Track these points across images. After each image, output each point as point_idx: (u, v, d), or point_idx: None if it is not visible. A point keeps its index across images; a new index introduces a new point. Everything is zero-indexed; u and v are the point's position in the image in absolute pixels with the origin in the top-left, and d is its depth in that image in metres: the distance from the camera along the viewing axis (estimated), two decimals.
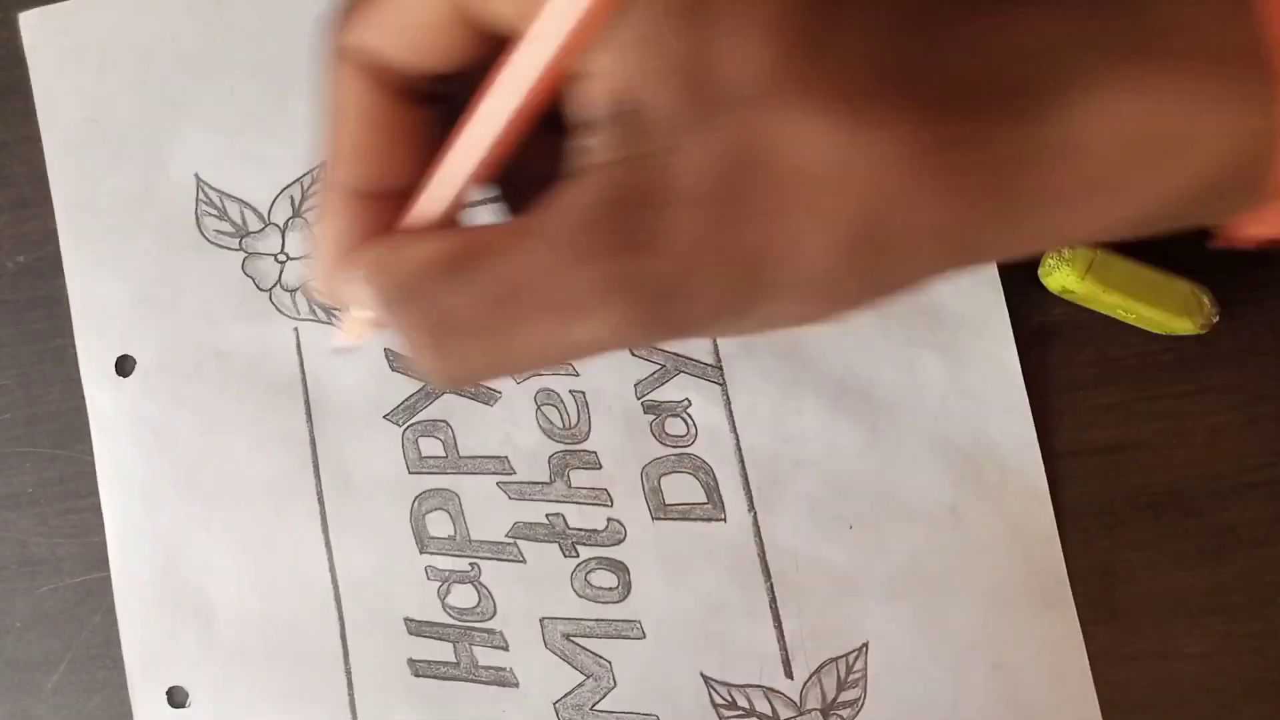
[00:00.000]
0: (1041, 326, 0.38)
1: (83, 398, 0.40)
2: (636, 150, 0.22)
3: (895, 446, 0.38)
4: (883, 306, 0.24)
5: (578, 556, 0.39)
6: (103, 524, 0.39)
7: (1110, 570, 0.37)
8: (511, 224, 0.23)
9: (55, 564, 0.40)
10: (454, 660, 0.38)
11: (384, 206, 0.26)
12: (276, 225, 0.40)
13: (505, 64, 0.23)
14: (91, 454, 0.40)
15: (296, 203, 0.40)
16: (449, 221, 0.26)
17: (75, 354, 0.40)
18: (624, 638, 0.38)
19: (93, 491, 0.40)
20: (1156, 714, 0.37)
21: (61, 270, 0.40)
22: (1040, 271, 0.37)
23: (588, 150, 0.23)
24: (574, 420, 0.39)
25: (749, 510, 0.38)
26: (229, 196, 0.40)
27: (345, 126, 0.26)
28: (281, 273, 0.40)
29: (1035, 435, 0.38)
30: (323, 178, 0.26)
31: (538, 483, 0.39)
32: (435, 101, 0.26)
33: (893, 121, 0.21)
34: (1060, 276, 0.36)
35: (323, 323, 0.40)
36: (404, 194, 0.26)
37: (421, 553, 0.39)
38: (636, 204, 0.22)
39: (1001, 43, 0.22)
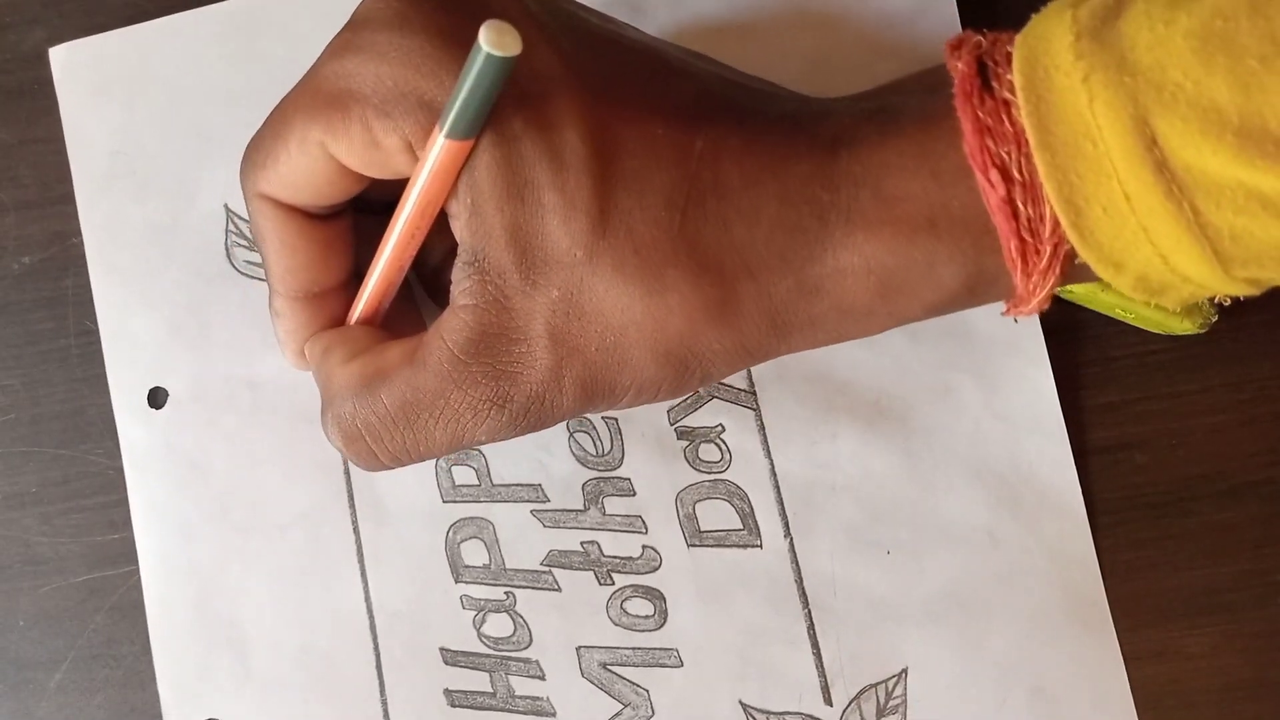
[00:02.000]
0: (1041, 327, 0.38)
1: (87, 398, 0.40)
2: (486, 297, 0.29)
3: (931, 470, 0.38)
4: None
5: (613, 584, 0.38)
6: (106, 524, 0.40)
7: (1110, 570, 0.38)
8: (406, 352, 0.31)
9: (58, 563, 0.40)
10: (490, 690, 0.38)
11: (330, 300, 0.34)
12: None
13: (395, 216, 0.30)
14: (95, 454, 0.40)
15: None
16: (378, 316, 0.34)
17: (78, 355, 0.40)
18: (661, 666, 0.38)
19: (96, 491, 0.40)
20: (1156, 714, 0.37)
21: (67, 271, 0.40)
22: None
23: (455, 285, 0.29)
24: (607, 447, 0.39)
25: (785, 536, 0.38)
26: None
27: (271, 252, 0.33)
28: None
29: (1071, 457, 0.38)
30: (267, 281, 0.34)
31: (571, 510, 0.39)
32: (351, 206, 0.33)
33: (677, 290, 0.28)
34: None
35: None
36: (348, 284, 0.34)
37: (456, 582, 0.39)
38: (495, 341, 0.29)
39: (766, 212, 0.29)
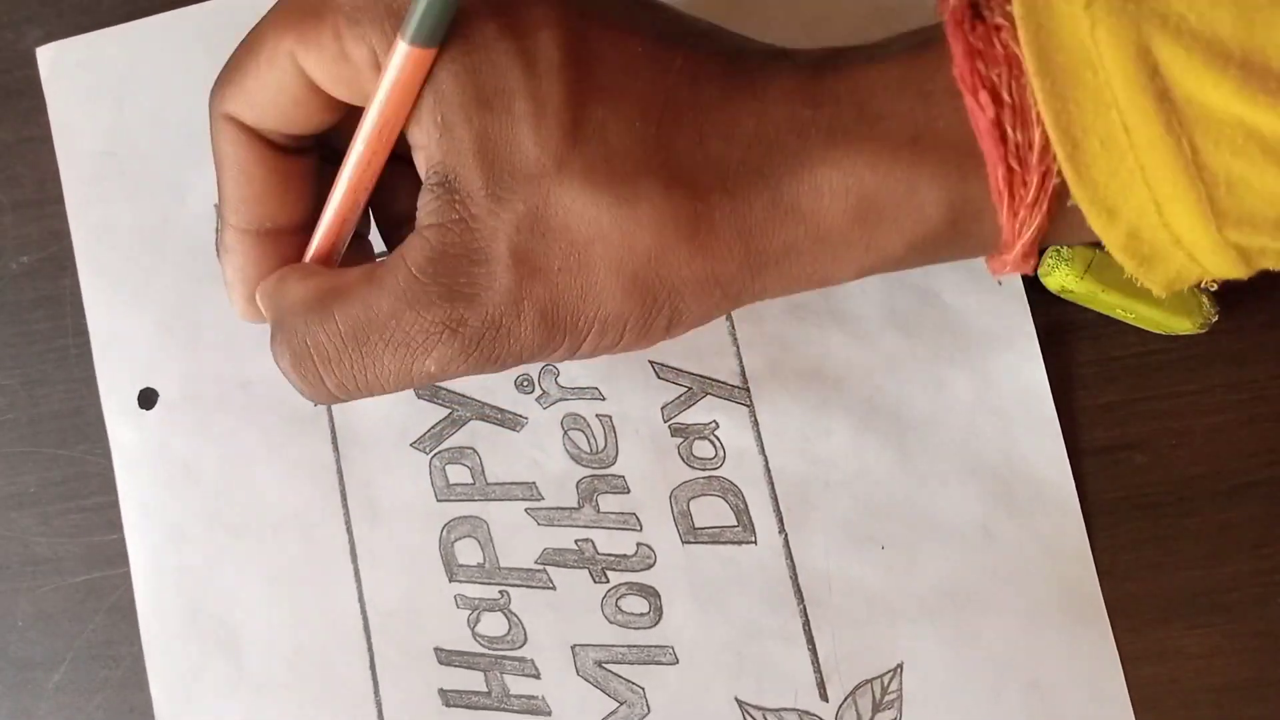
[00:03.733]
0: (1041, 327, 0.38)
1: (85, 398, 0.40)
2: (452, 216, 0.28)
3: (925, 466, 0.38)
4: (670, 339, 0.30)
5: (608, 582, 0.38)
6: (105, 524, 0.39)
7: (1110, 570, 0.37)
8: (365, 271, 0.29)
9: (57, 563, 0.40)
10: (485, 689, 0.38)
11: (283, 241, 0.32)
12: None
13: (354, 136, 0.29)
14: (94, 454, 0.40)
15: None
16: (333, 254, 0.32)
17: (76, 354, 0.40)
18: (656, 663, 0.38)
19: (95, 491, 0.40)
20: (1156, 714, 0.37)
21: (65, 271, 0.40)
22: (1039, 271, 0.37)
23: (421, 209, 0.28)
24: (601, 445, 0.39)
25: (779, 532, 0.38)
26: None
27: (228, 178, 0.31)
28: None
29: (1065, 451, 0.38)
30: (219, 220, 0.32)
31: (566, 508, 0.39)
32: (318, 147, 0.32)
33: (649, 200, 0.27)
34: (1059, 276, 0.36)
35: None
36: (304, 228, 0.32)
37: (451, 581, 0.39)
38: (456, 261, 0.28)
39: (743, 128, 0.28)
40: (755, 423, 0.38)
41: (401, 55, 0.27)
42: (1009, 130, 0.26)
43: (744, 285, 0.29)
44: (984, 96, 0.26)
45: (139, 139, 0.40)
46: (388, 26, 0.27)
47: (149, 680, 0.39)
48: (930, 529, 0.38)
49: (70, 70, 0.41)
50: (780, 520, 0.38)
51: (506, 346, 0.29)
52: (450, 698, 0.38)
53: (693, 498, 0.38)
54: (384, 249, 0.35)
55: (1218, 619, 0.37)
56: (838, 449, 0.38)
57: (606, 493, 0.39)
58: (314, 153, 0.33)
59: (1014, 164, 0.27)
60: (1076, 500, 0.38)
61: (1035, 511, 0.38)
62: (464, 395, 0.39)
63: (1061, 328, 0.38)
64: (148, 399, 0.40)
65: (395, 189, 0.31)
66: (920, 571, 0.38)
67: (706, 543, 0.38)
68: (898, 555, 0.38)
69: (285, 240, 0.32)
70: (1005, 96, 0.26)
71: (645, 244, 0.28)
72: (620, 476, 0.39)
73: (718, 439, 0.39)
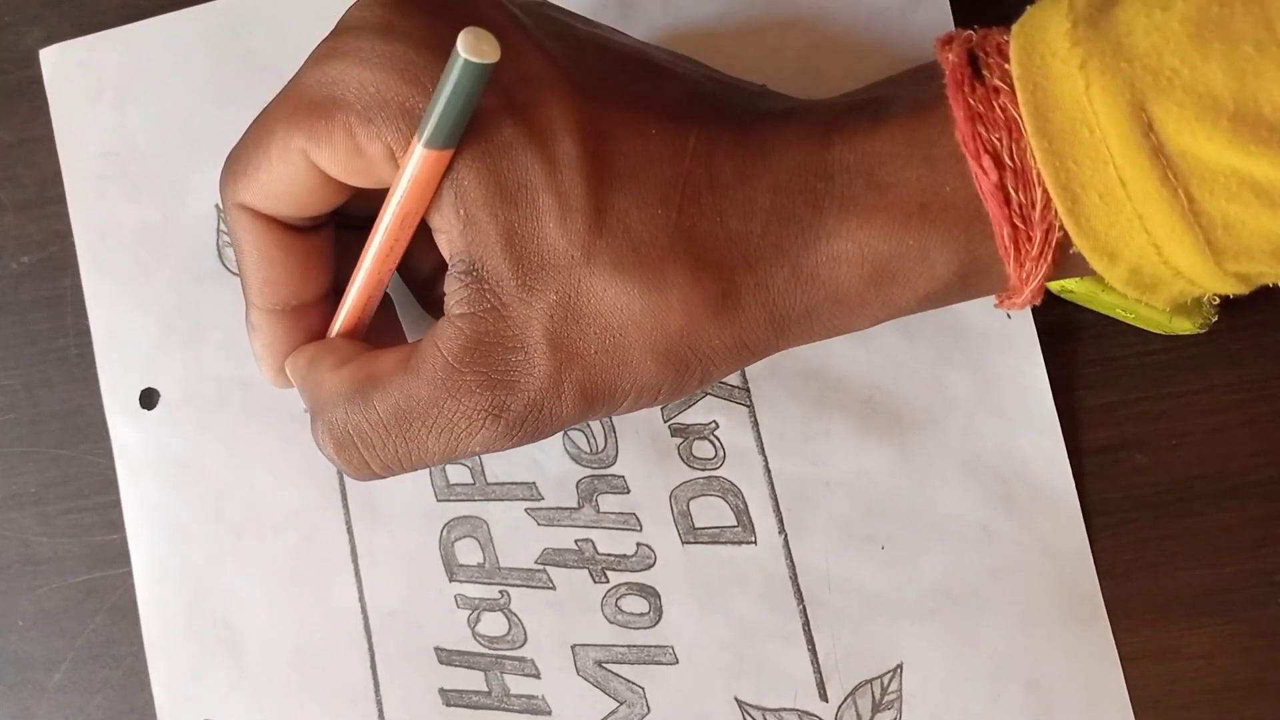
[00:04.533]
0: (1041, 327, 0.38)
1: (85, 398, 0.40)
2: (483, 305, 0.28)
3: (925, 466, 0.38)
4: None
5: (608, 582, 0.38)
6: (105, 524, 0.40)
7: (1110, 570, 0.37)
8: (400, 358, 0.30)
9: (58, 563, 0.40)
10: (486, 689, 0.38)
11: (309, 314, 0.33)
12: None
13: (375, 227, 0.30)
14: (94, 454, 0.40)
15: None
16: (359, 328, 0.33)
17: (77, 355, 0.40)
18: (656, 663, 0.38)
19: (95, 491, 0.40)
20: (1156, 714, 0.37)
21: (66, 271, 0.40)
22: None
23: (450, 295, 0.29)
24: (601, 445, 0.39)
25: (779, 532, 0.38)
26: None
27: (249, 264, 0.32)
28: None
29: (1065, 451, 0.38)
30: (244, 293, 0.33)
31: (566, 508, 0.39)
32: (334, 217, 0.33)
33: (677, 284, 0.28)
34: None
35: None
36: (327, 299, 0.33)
37: (451, 581, 0.39)
38: (492, 349, 0.29)
39: (760, 205, 0.29)
40: (755, 423, 0.38)
41: (418, 157, 0.27)
42: (1012, 192, 0.27)
43: (769, 344, 0.31)
44: (987, 161, 0.27)
45: (141, 140, 0.40)
46: (402, 124, 0.28)
47: (150, 679, 0.39)
48: (930, 529, 0.38)
49: (72, 71, 0.41)
50: (780, 520, 0.38)
51: (549, 423, 0.30)
52: (450, 697, 0.38)
53: (693, 498, 0.38)
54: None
55: (1218, 619, 0.37)
56: (838, 449, 0.38)
57: (606, 493, 0.39)
58: (330, 225, 0.33)
59: (1018, 222, 0.28)
60: (1076, 500, 0.38)
61: (1035, 511, 0.37)
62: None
63: (1061, 328, 0.38)
64: (149, 399, 0.40)
65: (421, 249, 0.32)
66: (920, 571, 0.38)
67: (706, 543, 0.38)
68: (898, 555, 0.38)
69: (310, 313, 0.34)
70: (1007, 160, 0.27)
71: (677, 324, 0.29)
72: (620, 477, 0.39)
73: (718, 439, 0.39)
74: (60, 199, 0.41)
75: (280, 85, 0.39)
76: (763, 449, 0.38)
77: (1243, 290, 0.28)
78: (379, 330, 0.35)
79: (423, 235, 0.31)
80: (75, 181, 0.40)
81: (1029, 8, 0.28)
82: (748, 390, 0.39)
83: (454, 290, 0.29)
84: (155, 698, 0.39)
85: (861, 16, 0.39)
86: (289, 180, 0.30)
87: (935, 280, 0.29)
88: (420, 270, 0.35)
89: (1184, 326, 0.36)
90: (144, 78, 0.41)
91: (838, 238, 0.29)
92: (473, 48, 0.25)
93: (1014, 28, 0.28)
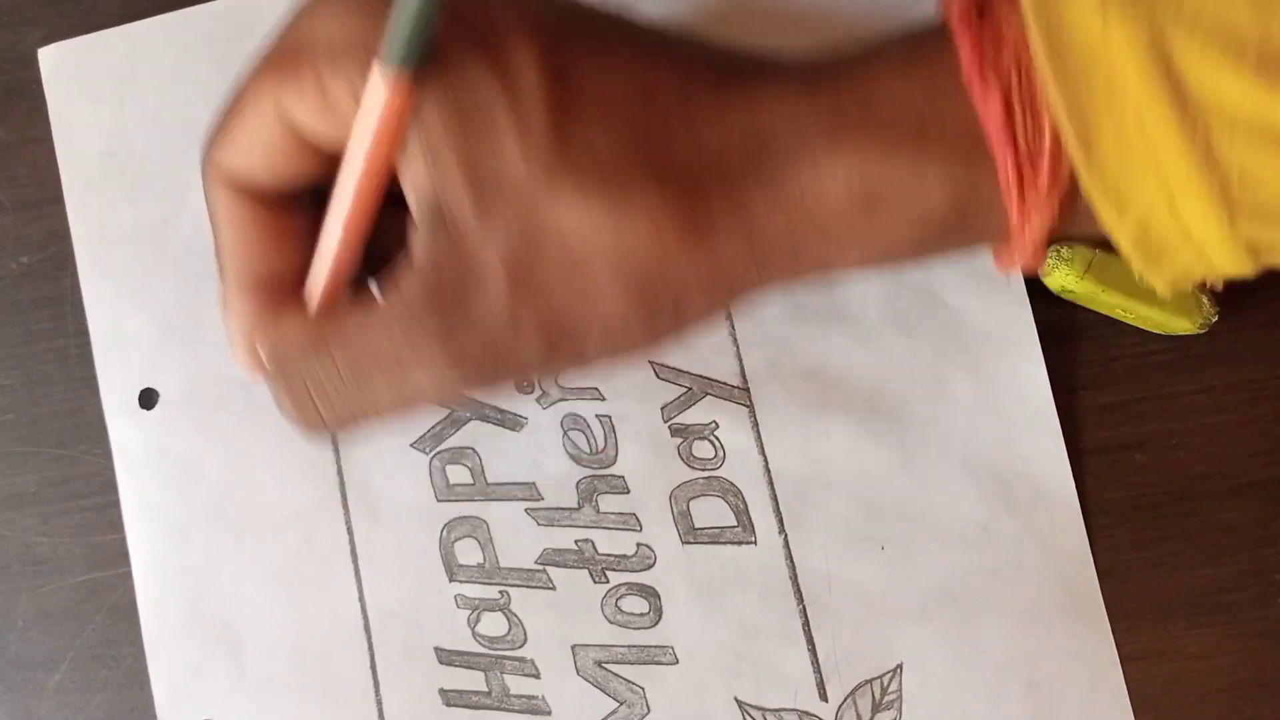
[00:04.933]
0: (1041, 327, 0.38)
1: (85, 398, 0.40)
2: (443, 245, 0.27)
3: (925, 466, 0.38)
4: (676, 343, 0.30)
5: (608, 582, 0.38)
6: (105, 524, 0.40)
7: (1110, 570, 0.37)
8: (361, 306, 0.29)
9: (58, 563, 0.40)
10: (485, 689, 0.38)
11: (279, 290, 0.32)
12: None
13: (339, 177, 0.29)
14: (94, 454, 0.40)
15: None
16: (331, 297, 0.31)
17: (77, 354, 0.40)
18: (656, 663, 0.38)
19: (95, 491, 0.40)
20: (1156, 714, 0.37)
21: (66, 271, 0.40)
22: (1039, 271, 0.37)
23: (414, 243, 0.28)
24: (601, 445, 0.39)
25: (779, 533, 0.38)
26: None
27: (225, 237, 0.32)
28: None
29: (1065, 451, 0.38)
30: (218, 272, 0.32)
31: (566, 508, 0.39)
32: (314, 200, 0.31)
33: (643, 202, 0.26)
34: (1059, 276, 0.36)
35: None
36: (298, 276, 0.32)
37: (451, 581, 0.39)
38: (449, 288, 0.27)
39: (738, 125, 0.27)
40: (755, 423, 0.38)
41: (380, 78, 0.27)
42: (1019, 126, 0.26)
43: (747, 277, 0.29)
44: (994, 99, 0.26)
45: (140, 140, 0.40)
46: (367, 62, 0.27)
47: (150, 679, 0.39)
48: (930, 529, 0.38)
49: (71, 71, 0.41)
50: (780, 520, 0.38)
51: (508, 363, 0.28)
52: (450, 697, 0.38)
53: (692, 498, 0.38)
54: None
55: (1218, 619, 0.37)
56: (838, 449, 0.38)
57: (606, 493, 0.39)
58: (310, 206, 0.32)
59: (1024, 160, 0.27)
60: (1077, 500, 0.38)
61: (1036, 512, 0.37)
62: (463, 395, 0.39)
63: (1061, 328, 0.38)
64: (148, 399, 0.40)
65: (393, 237, 0.31)
66: (920, 572, 0.38)
67: (706, 543, 0.38)
68: (898, 555, 0.38)
69: (286, 296, 0.32)
70: (1015, 94, 0.26)
71: (644, 246, 0.27)
72: (620, 477, 0.39)
73: (718, 439, 0.39)
74: (59, 199, 0.41)
75: None
76: (763, 449, 0.38)
77: (1249, 268, 0.27)
78: None
79: (395, 224, 0.30)
80: (74, 181, 0.40)
81: None
82: (748, 390, 0.39)
83: (417, 237, 0.28)
84: (155, 697, 0.39)
85: (863, 15, 0.39)
86: (264, 138, 0.29)
87: (929, 211, 0.28)
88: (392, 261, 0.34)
89: (1184, 326, 0.36)
90: (143, 78, 0.41)
91: (824, 156, 0.27)
92: None
93: None
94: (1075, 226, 0.28)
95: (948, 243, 0.29)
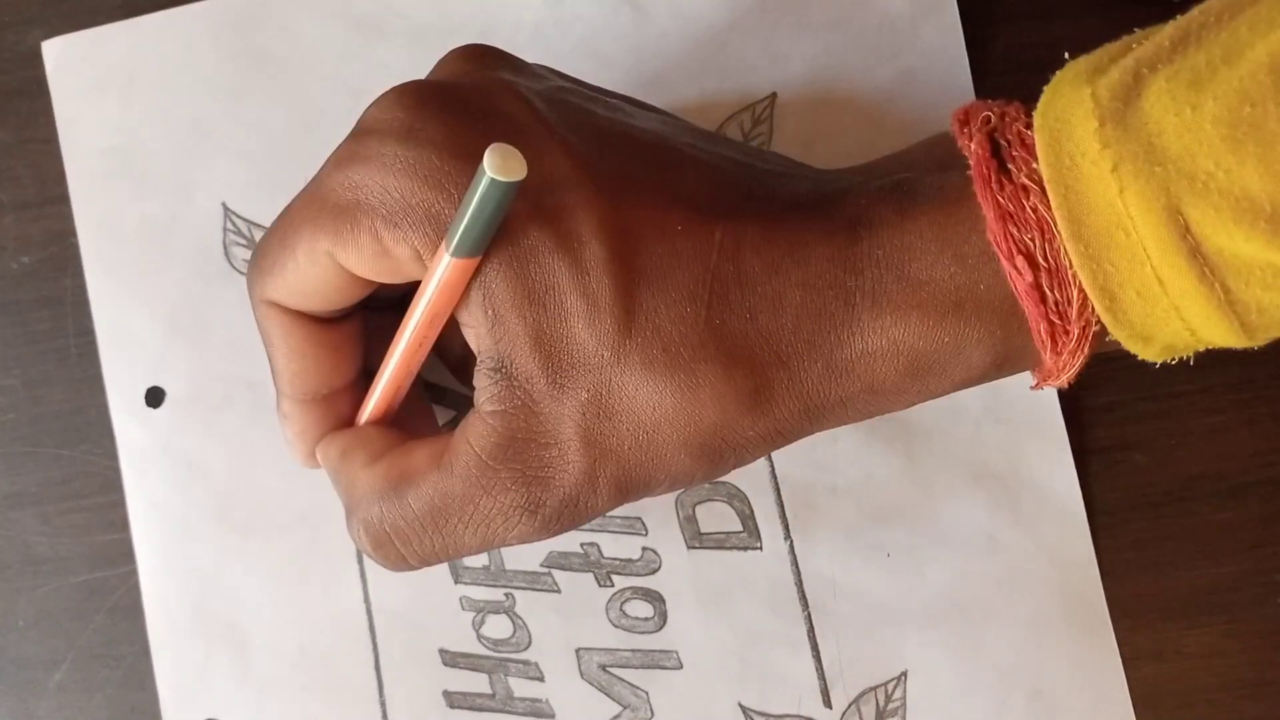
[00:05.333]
0: None
1: (86, 398, 0.40)
2: (514, 403, 0.29)
3: (931, 474, 0.38)
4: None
5: (613, 586, 0.38)
6: (106, 524, 0.39)
7: (1110, 570, 0.38)
8: (432, 454, 0.31)
9: (58, 563, 0.40)
10: (489, 691, 0.38)
11: (339, 400, 0.34)
12: None
13: (403, 325, 0.31)
14: (95, 454, 0.40)
15: None
16: (388, 415, 0.34)
17: (78, 354, 0.40)
18: (661, 668, 0.38)
19: (96, 491, 0.40)
20: (1156, 713, 0.37)
21: (66, 271, 0.40)
22: None
23: (480, 391, 0.29)
24: None
25: (785, 539, 0.38)
26: (257, 225, 0.40)
27: (279, 357, 0.33)
28: None
29: (1072, 460, 0.38)
30: (273, 382, 0.34)
31: None
32: (360, 307, 0.33)
33: (709, 381, 0.28)
34: None
35: None
36: (358, 384, 0.34)
37: (456, 583, 0.39)
38: (524, 446, 0.29)
39: (790, 300, 0.29)
40: None
41: (446, 265, 0.28)
42: (1047, 290, 0.28)
43: (803, 430, 0.30)
44: (1021, 261, 0.27)
45: (145, 135, 0.40)
46: (428, 229, 0.28)
47: (155, 678, 0.39)
48: (936, 537, 0.38)
49: (76, 65, 0.40)
50: (786, 526, 0.38)
51: (585, 514, 0.30)
52: (454, 699, 0.38)
53: (698, 503, 0.39)
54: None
55: (1218, 619, 0.38)
56: (844, 455, 0.38)
57: None
58: (358, 312, 0.34)
59: (1054, 318, 0.28)
60: (1083, 509, 0.38)
61: (1041, 520, 0.38)
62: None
63: None
64: (155, 397, 0.39)
65: (452, 330, 0.32)
66: (925, 579, 0.38)
67: (712, 548, 0.38)
68: (903, 562, 0.38)
69: (341, 399, 0.34)
70: (1041, 260, 0.27)
71: (710, 420, 0.29)
72: None
73: None
74: (60, 199, 0.40)
75: (288, 81, 0.40)
76: (769, 455, 0.38)
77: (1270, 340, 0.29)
78: (408, 414, 0.35)
79: (453, 319, 0.31)
80: (78, 177, 0.40)
81: (1046, 90, 0.28)
82: None
83: (484, 386, 0.29)
84: (160, 696, 0.38)
85: (871, 26, 0.39)
86: (316, 279, 0.30)
87: (971, 370, 0.30)
88: (453, 348, 0.35)
89: None
90: (149, 72, 0.40)
91: (872, 334, 0.29)
92: (499, 167, 0.25)
93: (1036, 118, 0.28)
94: (1105, 347, 0.29)
95: (988, 380, 0.31)
